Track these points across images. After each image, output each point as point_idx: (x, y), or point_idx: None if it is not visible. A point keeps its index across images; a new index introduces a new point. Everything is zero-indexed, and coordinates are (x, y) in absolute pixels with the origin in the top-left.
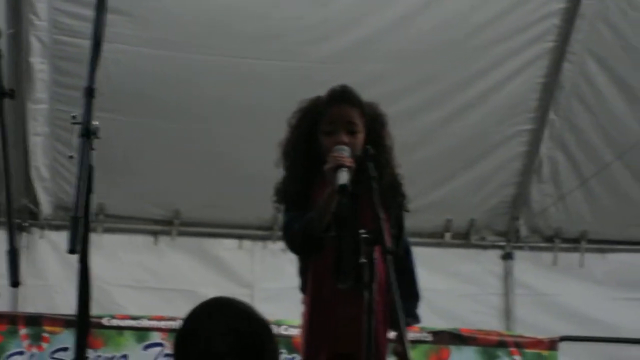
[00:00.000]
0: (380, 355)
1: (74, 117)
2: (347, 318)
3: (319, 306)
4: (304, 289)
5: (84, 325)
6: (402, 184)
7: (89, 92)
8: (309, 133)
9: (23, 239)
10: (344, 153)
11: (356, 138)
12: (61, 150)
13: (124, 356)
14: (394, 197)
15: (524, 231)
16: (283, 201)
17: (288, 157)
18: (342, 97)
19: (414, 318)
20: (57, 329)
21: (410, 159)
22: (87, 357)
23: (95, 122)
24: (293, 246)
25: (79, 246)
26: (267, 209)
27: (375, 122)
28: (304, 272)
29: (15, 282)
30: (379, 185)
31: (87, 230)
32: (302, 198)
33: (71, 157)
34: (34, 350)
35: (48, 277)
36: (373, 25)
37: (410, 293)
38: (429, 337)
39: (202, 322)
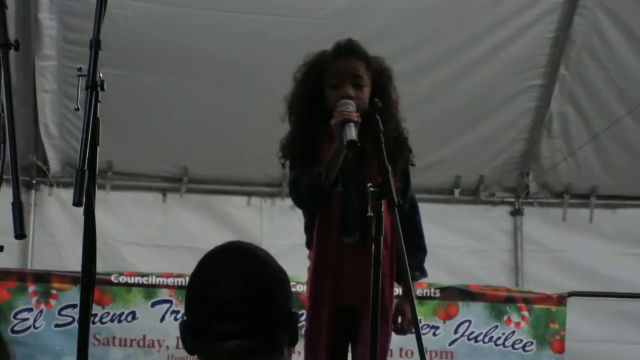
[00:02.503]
0: (386, 310)
1: (79, 69)
2: (352, 272)
3: (324, 260)
4: (309, 244)
5: (89, 277)
6: (408, 139)
7: (96, 45)
8: (314, 87)
9: (32, 196)
10: (350, 107)
11: (362, 92)
12: (70, 107)
13: (133, 313)
14: (399, 151)
15: (533, 187)
16: (289, 157)
17: (294, 111)
18: (348, 50)
19: (421, 272)
20: (65, 286)
21: (419, 116)
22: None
23: (101, 75)
24: (301, 202)
25: (85, 199)
26: (275, 166)
27: (381, 76)
28: (310, 228)
29: (20, 235)
30: (385, 139)
31: (93, 182)
32: (308, 153)
33: (77, 109)
34: (43, 307)
35: (57, 234)
36: None
37: (417, 247)
38: (438, 293)
39: (213, 268)
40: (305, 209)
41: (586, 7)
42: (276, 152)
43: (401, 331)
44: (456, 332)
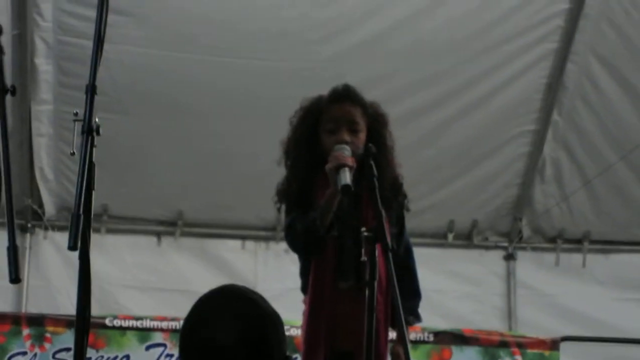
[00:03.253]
0: (380, 354)
1: (75, 114)
2: (347, 317)
3: (319, 305)
4: (305, 289)
5: (83, 321)
6: (403, 184)
7: (91, 90)
8: (310, 132)
9: (27, 239)
10: (345, 152)
11: (358, 137)
12: (65, 151)
13: (127, 356)
14: (395, 196)
15: (526, 232)
16: (284, 201)
17: (289, 156)
18: (344, 95)
19: (415, 317)
20: (59, 329)
21: (413, 159)
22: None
23: (96, 119)
24: (295, 247)
25: (80, 243)
26: (270, 209)
27: (376, 122)
28: (305, 272)
29: (15, 279)
30: (380, 184)
31: (88, 227)
32: (303, 197)
33: (73, 154)
34: (37, 350)
35: (51, 277)
36: (378, 24)
37: (411, 292)
38: (431, 337)
39: (208, 311)
40: (300, 254)
41: (578, 54)
42: (271, 196)
43: None
44: None
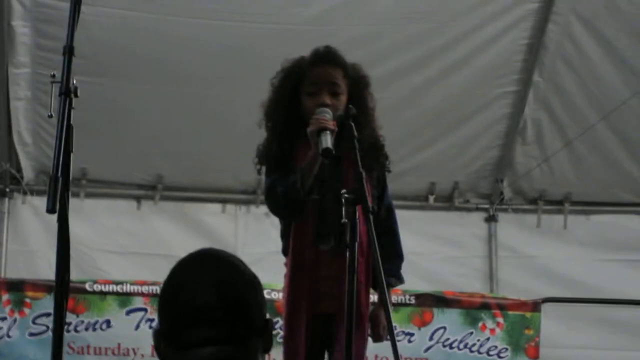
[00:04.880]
0: (361, 316)
1: (52, 75)
2: (328, 279)
3: (300, 267)
4: (285, 251)
5: (62, 285)
6: (384, 145)
7: (69, 51)
8: (291, 94)
9: (5, 204)
10: (326, 115)
11: (339, 99)
12: (43, 114)
13: (107, 321)
14: (375, 157)
15: (507, 193)
16: (265, 163)
17: (270, 118)
18: (325, 57)
19: (397, 279)
20: (39, 294)
21: (393, 121)
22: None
23: (74, 81)
24: (276, 210)
25: (58, 206)
26: (250, 173)
27: (358, 83)
28: (285, 234)
29: None
30: (360, 146)
31: (66, 189)
32: (284, 160)
33: (50, 116)
34: (16, 315)
35: (30, 242)
36: None
37: (393, 254)
38: (412, 300)
39: (186, 274)
40: (281, 216)
41: (559, 14)
42: (251, 159)
43: (377, 337)
44: (431, 338)
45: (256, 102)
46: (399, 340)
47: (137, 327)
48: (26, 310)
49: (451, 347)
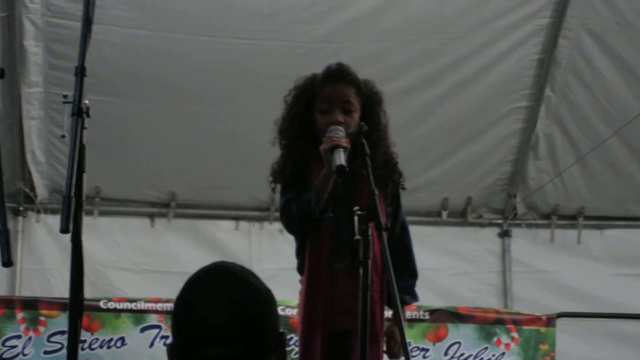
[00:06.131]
0: (376, 334)
1: (65, 96)
2: (343, 296)
3: (315, 285)
4: (301, 269)
5: (77, 304)
6: (397, 162)
7: (80, 71)
8: (304, 111)
9: (19, 223)
10: (339, 133)
11: (351, 117)
12: (56, 133)
13: (121, 338)
14: (389, 174)
15: (521, 208)
16: (279, 180)
17: (284, 135)
18: (338, 75)
19: (412, 296)
20: (53, 312)
21: (406, 137)
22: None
23: (86, 101)
24: (290, 227)
25: (72, 226)
26: (263, 189)
27: (370, 100)
28: (301, 252)
29: (7, 262)
30: (373, 163)
31: (79, 209)
32: (298, 177)
33: (63, 136)
34: (31, 333)
35: (44, 260)
36: (370, 3)
37: (407, 271)
38: (427, 316)
39: (199, 291)
40: (295, 234)
41: (570, 29)
42: (264, 176)
43: (392, 354)
44: (446, 353)
45: (268, 120)
46: (414, 356)
47: (152, 344)
48: (41, 329)
49: None
